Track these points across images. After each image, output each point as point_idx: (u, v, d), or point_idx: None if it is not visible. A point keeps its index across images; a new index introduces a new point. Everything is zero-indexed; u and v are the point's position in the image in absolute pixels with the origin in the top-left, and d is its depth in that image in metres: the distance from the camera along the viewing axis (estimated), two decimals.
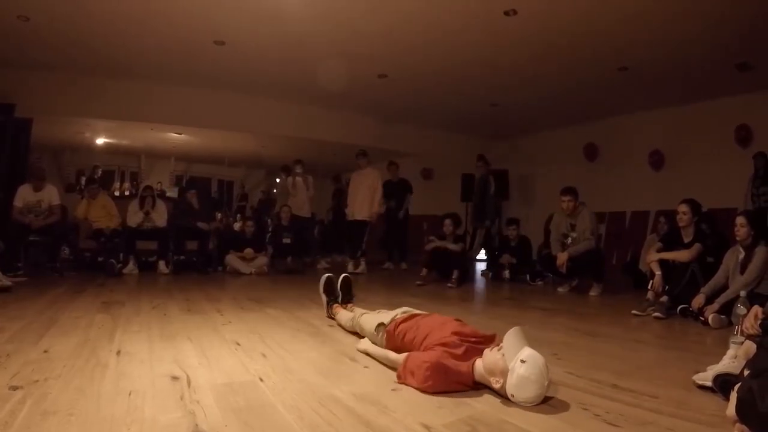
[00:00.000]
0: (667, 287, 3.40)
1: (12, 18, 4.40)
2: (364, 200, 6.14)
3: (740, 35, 4.43)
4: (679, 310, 3.28)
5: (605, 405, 1.47)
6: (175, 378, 1.63)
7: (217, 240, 6.18)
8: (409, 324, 1.92)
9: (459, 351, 1.62)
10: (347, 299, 2.80)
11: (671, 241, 3.66)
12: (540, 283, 5.26)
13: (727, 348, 1.69)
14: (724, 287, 3.07)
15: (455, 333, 1.71)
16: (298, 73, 6.00)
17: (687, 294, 3.24)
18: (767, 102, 5.76)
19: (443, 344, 1.66)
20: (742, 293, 2.30)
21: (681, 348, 2.50)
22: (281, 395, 1.50)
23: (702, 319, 2.98)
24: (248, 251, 5.77)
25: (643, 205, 7.01)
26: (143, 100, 6.49)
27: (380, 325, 2.04)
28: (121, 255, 5.32)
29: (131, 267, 5.22)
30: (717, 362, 1.64)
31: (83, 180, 9.01)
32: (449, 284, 4.88)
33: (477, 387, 1.57)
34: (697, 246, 3.44)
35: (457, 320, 1.89)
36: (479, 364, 1.57)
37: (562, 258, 4.41)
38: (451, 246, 5.17)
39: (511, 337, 1.49)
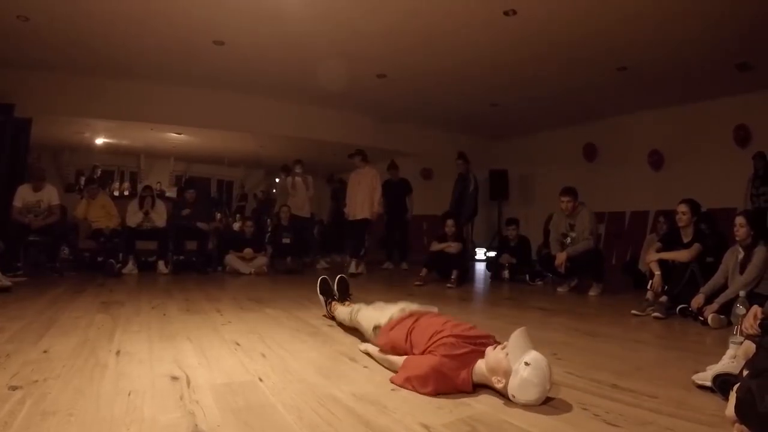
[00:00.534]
0: (666, 287, 3.40)
1: (12, 18, 4.40)
2: (363, 200, 6.13)
3: (740, 35, 4.43)
4: (679, 310, 3.28)
5: (605, 405, 1.47)
6: (174, 378, 1.63)
7: (217, 240, 6.18)
8: (405, 323, 1.89)
9: (458, 352, 1.61)
10: (344, 298, 2.80)
11: (671, 241, 3.66)
12: (539, 283, 5.26)
13: (726, 348, 1.69)
14: (724, 287, 3.07)
15: (453, 334, 1.69)
16: (297, 73, 6.00)
17: (686, 294, 3.23)
18: (766, 102, 5.76)
19: (442, 345, 1.64)
20: (742, 293, 2.30)
21: (680, 348, 2.50)
22: (281, 395, 1.50)
23: (701, 319, 2.98)
24: (248, 251, 5.77)
25: (643, 205, 7.01)
26: (143, 100, 6.49)
27: (376, 327, 2.03)
28: (121, 255, 5.32)
29: (131, 267, 5.22)
30: (716, 362, 1.64)
31: (83, 180, 8.99)
32: (448, 284, 4.88)
33: (475, 391, 1.57)
34: (696, 246, 3.44)
35: (453, 320, 1.87)
36: (480, 364, 1.57)
37: (561, 258, 4.41)
38: (452, 245, 5.18)
39: (516, 338, 1.49)
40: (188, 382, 1.59)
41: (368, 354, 1.99)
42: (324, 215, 9.37)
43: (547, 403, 1.47)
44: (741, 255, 3.09)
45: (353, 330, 2.39)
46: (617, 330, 2.85)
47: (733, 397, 1.18)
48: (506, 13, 4.25)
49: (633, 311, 3.35)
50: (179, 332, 2.37)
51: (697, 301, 3.09)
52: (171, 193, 9.51)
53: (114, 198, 6.70)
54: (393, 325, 1.94)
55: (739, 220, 3.12)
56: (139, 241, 5.49)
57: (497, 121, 8.12)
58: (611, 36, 4.64)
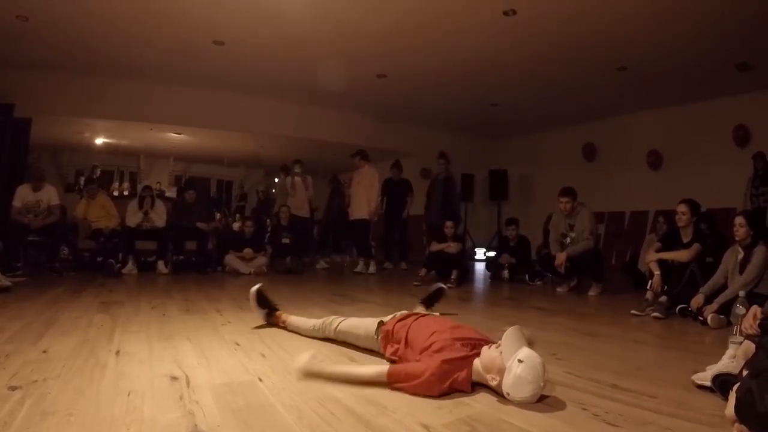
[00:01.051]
0: (666, 287, 3.40)
1: (11, 18, 4.40)
2: (362, 199, 6.15)
3: (740, 35, 4.44)
4: (679, 310, 3.28)
5: (605, 405, 1.47)
6: (174, 378, 1.63)
7: (217, 240, 6.18)
8: (407, 321, 1.88)
9: (458, 355, 1.60)
10: (275, 309, 2.60)
11: (670, 241, 3.66)
12: (539, 283, 5.26)
13: (726, 348, 1.69)
14: (723, 287, 3.07)
15: (455, 338, 1.67)
16: (298, 73, 6.00)
17: (686, 294, 3.23)
18: (765, 102, 5.77)
19: (442, 349, 1.62)
20: (741, 293, 2.30)
21: (680, 348, 2.50)
22: (280, 395, 1.50)
23: (701, 319, 2.98)
24: (247, 251, 5.77)
25: (643, 205, 7.02)
26: (143, 100, 6.49)
27: (380, 323, 1.99)
28: (120, 255, 5.32)
29: (130, 267, 5.22)
30: (716, 362, 1.64)
31: (82, 180, 9.00)
32: (448, 284, 4.86)
33: (474, 390, 1.57)
34: (696, 246, 3.44)
35: (454, 322, 1.85)
36: (476, 363, 1.57)
37: (560, 258, 4.41)
38: (451, 245, 5.18)
39: (509, 336, 1.50)
40: (188, 382, 1.59)
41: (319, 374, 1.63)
42: (320, 215, 9.36)
43: (547, 403, 1.47)
44: (740, 255, 3.09)
45: (322, 337, 2.29)
46: (617, 330, 2.85)
47: (732, 397, 1.18)
48: (506, 13, 4.25)
49: (633, 311, 3.34)
50: (179, 332, 2.37)
51: (697, 301, 3.09)
52: (171, 193, 9.51)
53: (114, 198, 6.70)
54: (394, 322, 1.93)
55: (739, 220, 3.12)
56: (139, 241, 5.49)
57: (497, 121, 8.12)
58: (611, 36, 4.64)
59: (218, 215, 8.29)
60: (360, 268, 6.08)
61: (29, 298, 3.27)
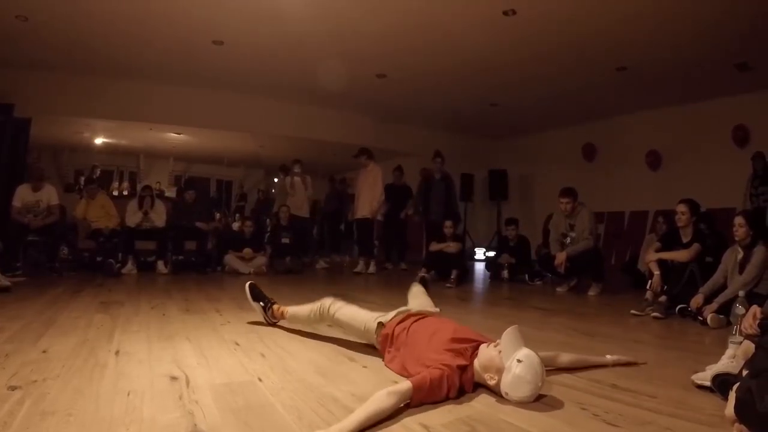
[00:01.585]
0: (665, 287, 3.40)
1: (11, 18, 4.40)
2: (365, 198, 6.14)
3: (740, 35, 4.44)
4: (678, 309, 3.28)
5: (604, 405, 1.47)
6: (173, 378, 1.63)
7: (216, 240, 6.18)
8: (405, 323, 1.85)
9: (461, 361, 1.56)
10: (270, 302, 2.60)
11: (670, 240, 3.66)
12: (539, 282, 5.27)
13: (725, 348, 1.69)
14: (723, 287, 3.07)
15: (453, 339, 1.65)
16: (297, 73, 6.00)
17: (686, 294, 3.24)
18: (765, 102, 5.77)
19: (445, 352, 1.59)
20: (741, 293, 2.31)
21: (680, 348, 2.50)
22: (280, 395, 1.49)
23: (701, 318, 2.98)
24: (247, 251, 5.77)
25: (642, 205, 7.02)
26: (142, 100, 6.49)
27: (380, 324, 1.94)
28: (120, 255, 5.32)
29: (130, 267, 5.22)
30: (716, 362, 1.64)
31: (82, 180, 8.99)
32: (448, 284, 4.88)
33: (474, 390, 1.56)
34: (695, 246, 3.44)
35: (452, 322, 1.82)
36: (475, 363, 1.57)
37: (560, 258, 4.41)
38: (451, 245, 5.18)
39: (508, 336, 1.50)
40: (187, 382, 1.59)
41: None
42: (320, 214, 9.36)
43: (546, 403, 1.47)
44: (740, 255, 3.09)
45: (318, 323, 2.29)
46: (617, 330, 2.85)
47: (732, 397, 1.18)
48: (506, 13, 4.26)
49: (632, 311, 3.35)
50: (178, 332, 2.37)
51: (697, 301, 3.10)
52: (170, 193, 9.51)
53: (113, 198, 6.69)
54: (393, 326, 1.88)
55: (738, 220, 3.12)
56: (139, 241, 5.49)
57: (497, 121, 8.13)
58: (611, 36, 4.64)
59: (218, 215, 8.29)
60: (360, 268, 6.09)
61: (29, 298, 3.26)
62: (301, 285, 4.76)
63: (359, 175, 6.38)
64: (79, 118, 7.14)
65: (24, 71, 5.75)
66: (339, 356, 2.02)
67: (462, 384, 1.53)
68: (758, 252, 2.99)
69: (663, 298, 3.35)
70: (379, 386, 1.60)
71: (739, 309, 1.96)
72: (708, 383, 1.57)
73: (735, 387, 1.19)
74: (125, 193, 9.07)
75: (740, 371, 1.34)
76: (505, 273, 5.65)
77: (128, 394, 1.44)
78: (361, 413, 1.24)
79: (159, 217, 5.60)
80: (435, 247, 5.34)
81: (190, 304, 3.26)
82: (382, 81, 6.21)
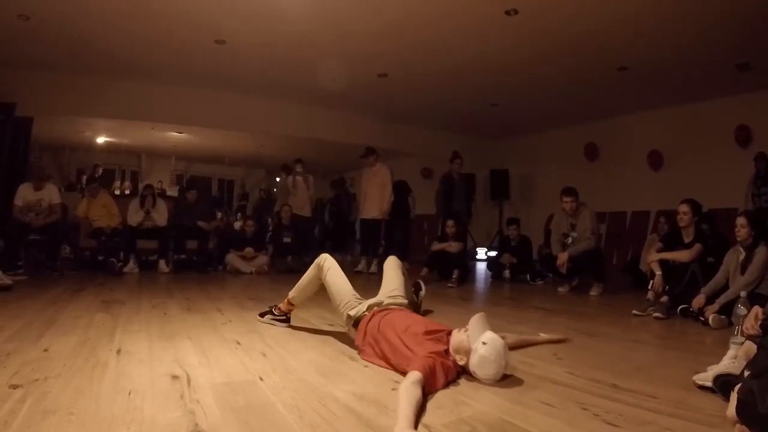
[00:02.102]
0: (667, 287, 3.40)
1: (12, 17, 4.40)
2: (374, 199, 6.11)
3: (740, 35, 4.43)
4: (680, 310, 3.28)
5: (605, 405, 1.47)
6: (174, 377, 1.63)
7: (218, 239, 6.18)
8: (377, 317, 1.99)
9: (442, 346, 1.72)
10: None
11: (672, 241, 3.65)
12: (540, 282, 5.26)
13: (727, 348, 1.69)
14: (725, 287, 3.07)
15: (427, 331, 1.80)
16: (298, 73, 6.00)
17: (687, 294, 3.23)
18: (767, 102, 5.75)
19: (426, 341, 1.74)
20: (743, 294, 2.30)
21: (681, 348, 2.49)
22: (281, 394, 1.50)
23: (702, 319, 2.98)
24: (249, 250, 5.78)
25: (644, 205, 7.01)
26: (144, 99, 6.49)
27: (348, 317, 2.14)
28: (122, 254, 5.32)
29: (131, 266, 5.22)
30: (717, 362, 1.64)
31: (84, 179, 9.02)
32: (449, 284, 4.88)
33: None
34: (697, 246, 3.44)
35: (420, 316, 2.01)
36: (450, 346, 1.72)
37: (562, 258, 4.41)
38: (453, 245, 5.18)
39: (475, 322, 1.67)
40: (188, 382, 1.59)
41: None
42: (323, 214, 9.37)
43: (547, 403, 1.47)
44: (742, 255, 3.08)
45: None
46: (617, 330, 2.85)
47: (734, 397, 1.18)
48: (507, 13, 4.25)
49: (634, 311, 3.35)
50: (180, 331, 2.37)
51: (698, 301, 3.09)
52: (172, 192, 9.53)
53: (115, 197, 6.69)
54: (366, 320, 2.03)
55: (740, 220, 3.11)
56: (140, 240, 5.50)
57: (497, 121, 8.11)
58: (612, 36, 4.63)
59: (219, 214, 8.30)
60: (361, 267, 6.08)
61: (30, 297, 3.27)
62: None
63: (364, 175, 6.36)
64: (80, 117, 7.15)
65: (25, 70, 5.75)
66: (340, 356, 2.02)
67: (449, 370, 1.64)
68: (760, 252, 2.98)
69: (664, 299, 3.34)
70: (381, 386, 1.61)
71: (741, 310, 1.95)
72: (709, 384, 1.57)
73: (736, 388, 1.19)
74: (127, 192, 9.09)
75: (742, 372, 1.34)
76: (507, 273, 5.65)
77: (129, 393, 1.45)
78: (407, 409, 1.28)
79: (161, 216, 5.61)
80: (437, 246, 5.34)
81: (191, 304, 3.27)
82: (384, 80, 6.20)
